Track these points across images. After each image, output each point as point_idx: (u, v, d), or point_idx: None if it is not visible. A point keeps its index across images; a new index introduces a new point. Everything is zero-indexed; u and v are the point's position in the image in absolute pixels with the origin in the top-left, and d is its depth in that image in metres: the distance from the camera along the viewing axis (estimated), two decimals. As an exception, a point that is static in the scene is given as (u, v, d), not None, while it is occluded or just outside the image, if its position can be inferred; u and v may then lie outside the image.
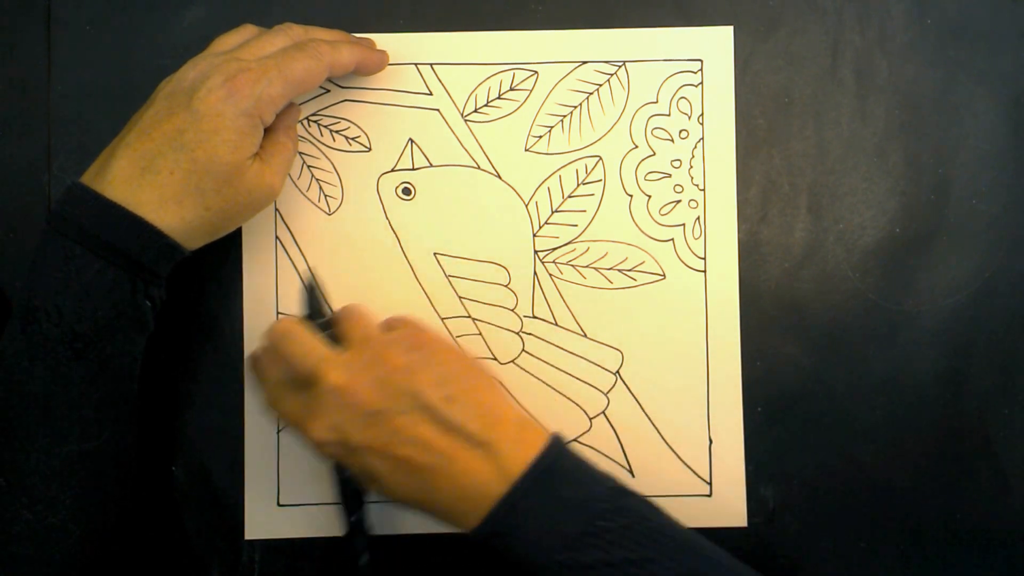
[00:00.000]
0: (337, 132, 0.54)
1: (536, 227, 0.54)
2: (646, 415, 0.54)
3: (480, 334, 0.54)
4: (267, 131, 0.49)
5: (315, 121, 0.54)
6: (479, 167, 0.54)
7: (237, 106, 0.46)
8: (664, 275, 0.54)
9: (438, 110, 0.54)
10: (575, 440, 0.54)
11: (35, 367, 0.44)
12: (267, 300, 0.54)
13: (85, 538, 0.46)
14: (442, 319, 0.54)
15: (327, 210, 0.54)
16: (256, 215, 0.50)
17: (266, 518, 0.53)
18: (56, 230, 0.45)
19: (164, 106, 0.46)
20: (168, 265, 0.47)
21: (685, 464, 0.54)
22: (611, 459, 0.54)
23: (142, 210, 0.45)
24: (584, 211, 0.54)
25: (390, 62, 0.53)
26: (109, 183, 0.45)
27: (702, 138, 0.54)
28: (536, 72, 0.54)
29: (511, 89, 0.54)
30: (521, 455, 0.45)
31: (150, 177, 0.45)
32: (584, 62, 0.54)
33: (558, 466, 0.45)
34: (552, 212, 0.54)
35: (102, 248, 0.44)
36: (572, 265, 0.54)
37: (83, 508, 0.46)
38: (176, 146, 0.45)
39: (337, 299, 0.54)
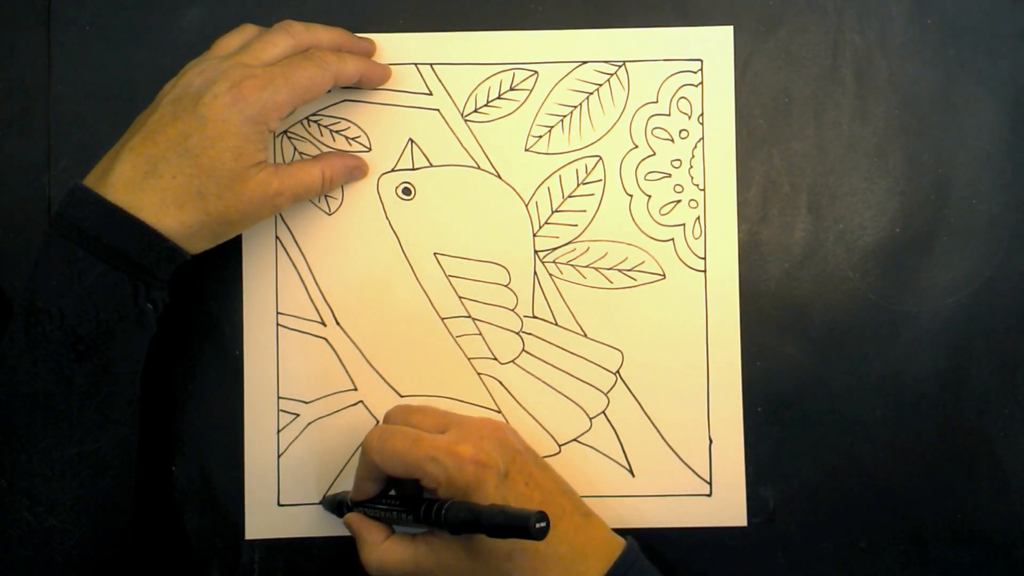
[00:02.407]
0: (337, 132, 0.54)
1: (536, 227, 0.54)
2: (646, 415, 0.54)
3: (480, 334, 0.54)
4: (312, 157, 0.51)
5: (315, 121, 0.54)
6: (479, 167, 0.54)
7: (243, 112, 0.46)
8: (664, 275, 0.54)
9: (438, 110, 0.54)
10: (575, 440, 0.54)
11: (37, 368, 0.44)
12: (267, 300, 0.54)
13: (86, 539, 0.46)
14: (442, 319, 0.54)
15: (327, 210, 0.54)
16: (259, 223, 0.50)
17: (266, 518, 0.53)
18: (58, 232, 0.45)
19: (169, 111, 0.46)
20: (170, 268, 0.46)
21: (685, 464, 0.54)
22: (611, 459, 0.54)
23: (143, 213, 0.45)
24: (584, 211, 0.54)
25: (390, 62, 0.54)
26: (111, 186, 0.45)
27: (702, 138, 0.54)
28: (536, 72, 0.54)
29: (511, 89, 0.54)
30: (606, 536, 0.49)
31: (153, 181, 0.45)
32: (584, 62, 0.54)
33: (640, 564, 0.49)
34: (552, 212, 0.54)
35: (103, 251, 0.44)
36: (572, 265, 0.54)
37: (84, 509, 0.46)
38: (180, 151, 0.45)
39: (337, 299, 0.54)
